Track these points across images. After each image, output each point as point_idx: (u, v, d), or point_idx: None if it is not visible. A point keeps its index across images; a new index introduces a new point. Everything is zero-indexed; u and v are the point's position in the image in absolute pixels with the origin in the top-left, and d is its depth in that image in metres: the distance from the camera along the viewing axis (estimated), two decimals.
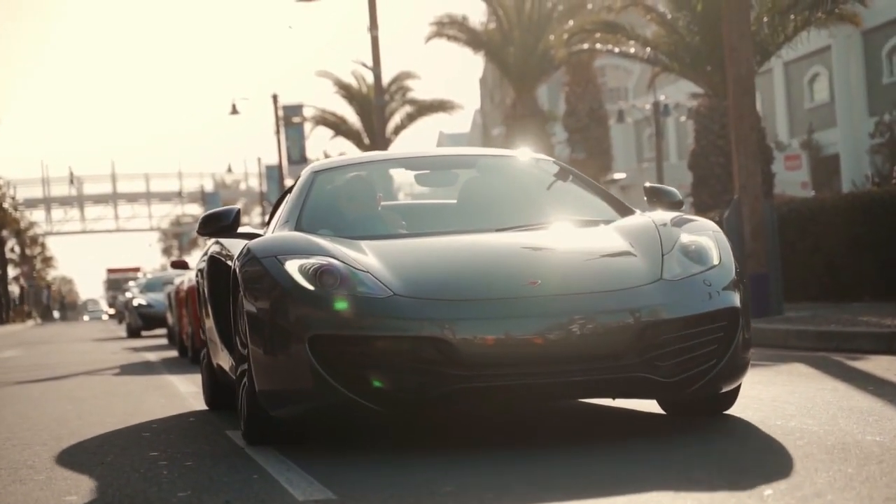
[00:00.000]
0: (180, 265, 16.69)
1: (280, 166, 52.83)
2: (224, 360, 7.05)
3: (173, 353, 17.86)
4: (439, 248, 5.93)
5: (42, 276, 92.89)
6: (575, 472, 4.66)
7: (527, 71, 36.90)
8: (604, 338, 5.20)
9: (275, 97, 53.02)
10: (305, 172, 7.06)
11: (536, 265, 5.56)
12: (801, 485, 4.06)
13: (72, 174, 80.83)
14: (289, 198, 6.96)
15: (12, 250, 76.57)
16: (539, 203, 6.87)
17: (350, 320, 5.22)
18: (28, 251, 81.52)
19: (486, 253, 5.82)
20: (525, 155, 7.63)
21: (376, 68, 29.94)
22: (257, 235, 6.47)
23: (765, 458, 4.78)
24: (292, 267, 5.43)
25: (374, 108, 32.36)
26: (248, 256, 5.76)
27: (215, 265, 7.42)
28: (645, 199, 6.80)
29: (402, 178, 7.86)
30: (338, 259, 5.46)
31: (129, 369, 14.91)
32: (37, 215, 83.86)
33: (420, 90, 45.04)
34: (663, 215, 6.13)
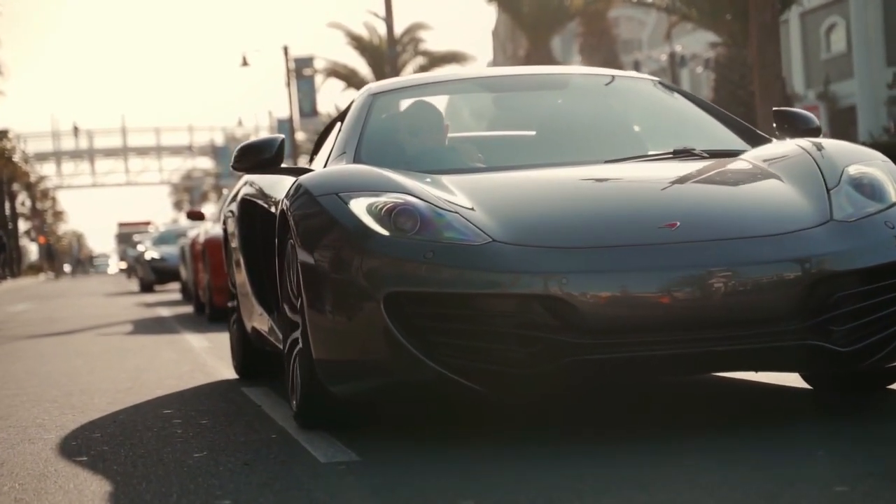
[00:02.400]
0: (196, 216, 16.33)
1: (291, 119, 52.50)
2: (260, 321, 6.04)
3: (187, 310, 17.55)
4: (543, 183, 4.86)
5: (54, 230, 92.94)
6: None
7: (541, 21, 36.49)
8: (763, 296, 4.11)
9: (285, 49, 52.60)
10: (362, 94, 5.88)
11: (672, 203, 4.46)
12: None
13: (76, 128, 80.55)
14: (342, 125, 5.76)
15: (23, 204, 76.49)
16: (652, 130, 5.86)
17: (437, 274, 4.11)
18: (39, 205, 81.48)
19: (606, 189, 4.77)
20: (627, 74, 6.46)
21: (389, 18, 29.58)
22: (308, 170, 5.23)
23: None
24: (359, 206, 4.36)
25: (387, 59, 32.02)
26: (301, 195, 4.66)
27: (248, 210, 6.30)
28: (774, 125, 5.60)
29: (475, 102, 6.42)
30: (417, 196, 4.37)
31: (141, 324, 14.72)
32: (47, 169, 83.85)
33: (432, 42, 44.72)
34: (813, 142, 4.93)
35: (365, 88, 5.91)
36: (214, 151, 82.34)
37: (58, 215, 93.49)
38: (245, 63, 52.66)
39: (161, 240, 30.22)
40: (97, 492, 3.87)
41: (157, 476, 4.06)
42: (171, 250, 26.57)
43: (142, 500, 3.67)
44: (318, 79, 49.93)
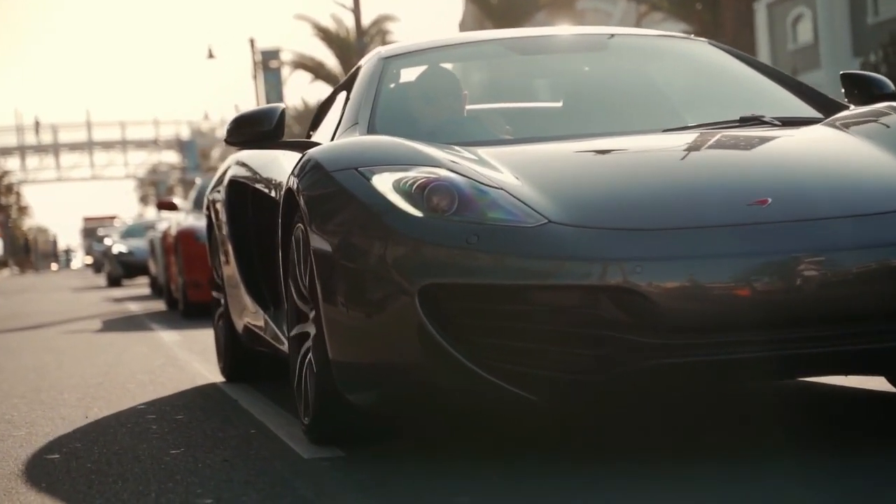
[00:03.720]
0: (167, 206, 15.74)
1: None
2: (253, 318, 5.44)
3: (158, 305, 17.33)
4: (599, 154, 4.17)
5: (17, 225, 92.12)
6: None
7: (509, 12, 36.47)
8: (871, 287, 3.37)
9: (252, 41, 52.24)
10: (371, 59, 5.17)
11: (759, 176, 3.76)
12: None
13: (37, 122, 79.73)
14: (351, 93, 5.03)
15: None
16: (709, 96, 5.13)
17: (482, 262, 3.41)
18: (3, 200, 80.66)
19: (678, 160, 4.01)
20: (674, 34, 5.66)
21: (357, 10, 29.39)
22: (315, 144, 4.63)
23: None
24: (384, 183, 3.67)
25: (355, 51, 31.83)
26: (312, 171, 3.98)
27: (238, 194, 5.71)
28: (842, 91, 5.01)
29: (500, 67, 5.53)
30: (452, 170, 3.69)
31: (110, 319, 14.50)
32: (11, 163, 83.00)
33: (399, 33, 44.52)
34: None
35: (374, 52, 5.26)
36: (180, 145, 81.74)
37: (22, 210, 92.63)
38: (211, 56, 52.26)
39: (128, 233, 29.91)
40: (71, 492, 3.69)
41: (134, 474, 3.89)
42: (139, 244, 26.30)
43: (119, 499, 3.50)
44: (285, 71, 49.65)
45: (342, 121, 4.89)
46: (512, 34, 5.52)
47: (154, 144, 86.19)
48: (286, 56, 48.37)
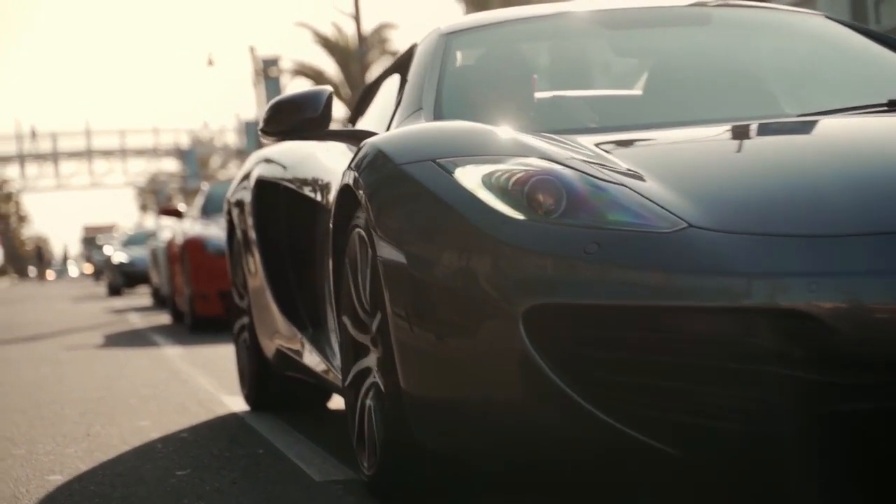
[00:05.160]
0: (172, 213, 15.02)
1: (257, 122, 52.09)
2: (287, 340, 4.77)
3: (161, 318, 17.10)
4: (732, 143, 3.48)
5: (17, 233, 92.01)
6: None
7: None
8: None
9: (252, 49, 52.13)
10: (431, 36, 4.37)
11: None
12: None
13: (33, 131, 79.61)
14: (410, 75, 4.24)
15: None
16: (838, 77, 4.30)
17: (604, 277, 2.66)
18: (2, 208, 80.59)
19: (835, 151, 3.21)
20: (787, 8, 4.83)
21: (357, 17, 29.31)
22: (371, 134, 3.85)
23: None
24: (470, 177, 2.94)
25: (356, 58, 31.76)
26: (378, 163, 3.25)
27: (268, 195, 5.07)
28: None
29: (581, 45, 4.61)
30: (557, 161, 2.95)
31: (111, 330, 14.34)
32: (10, 171, 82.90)
33: (398, 41, 44.43)
34: None
35: (433, 30, 4.44)
36: (180, 154, 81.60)
37: (22, 219, 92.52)
38: (210, 63, 52.19)
39: (129, 242, 29.78)
40: None
41: (139, 497, 3.74)
42: (140, 253, 26.18)
43: None
44: (285, 79, 49.56)
45: (400, 106, 4.13)
46: (594, 5, 4.66)
47: (153, 153, 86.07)
48: (286, 64, 48.30)
